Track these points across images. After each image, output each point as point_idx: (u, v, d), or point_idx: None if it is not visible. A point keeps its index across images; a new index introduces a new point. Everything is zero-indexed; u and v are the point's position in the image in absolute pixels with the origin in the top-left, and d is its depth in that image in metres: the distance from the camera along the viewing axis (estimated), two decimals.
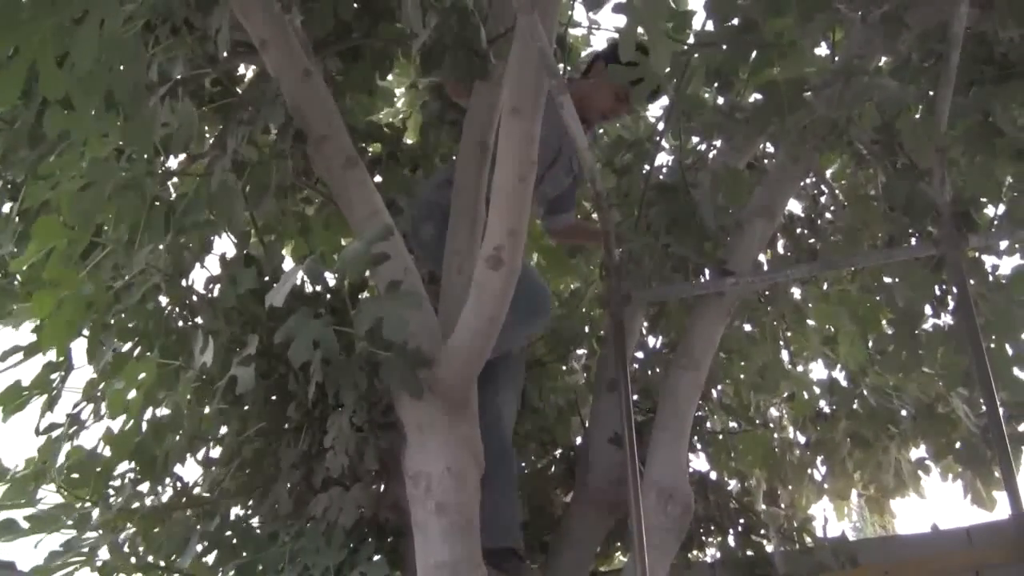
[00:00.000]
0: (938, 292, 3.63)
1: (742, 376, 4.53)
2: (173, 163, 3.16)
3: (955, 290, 3.08)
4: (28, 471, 3.22)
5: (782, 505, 4.57)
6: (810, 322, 4.54)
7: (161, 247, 2.94)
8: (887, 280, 3.89)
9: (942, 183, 2.86)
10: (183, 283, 3.12)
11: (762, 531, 4.01)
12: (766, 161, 4.33)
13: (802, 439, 4.87)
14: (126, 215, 2.79)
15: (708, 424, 4.58)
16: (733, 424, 4.69)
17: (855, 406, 4.62)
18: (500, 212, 2.69)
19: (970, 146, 3.18)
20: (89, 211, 2.70)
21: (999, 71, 3.14)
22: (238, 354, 2.76)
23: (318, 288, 3.05)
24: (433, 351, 2.84)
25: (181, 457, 3.37)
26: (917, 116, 3.09)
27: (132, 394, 3.03)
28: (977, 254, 3.54)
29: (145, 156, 2.76)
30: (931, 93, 2.93)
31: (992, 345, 3.44)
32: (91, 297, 2.94)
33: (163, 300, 3.17)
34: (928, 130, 2.84)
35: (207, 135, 3.53)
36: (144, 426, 3.25)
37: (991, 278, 3.56)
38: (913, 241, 3.43)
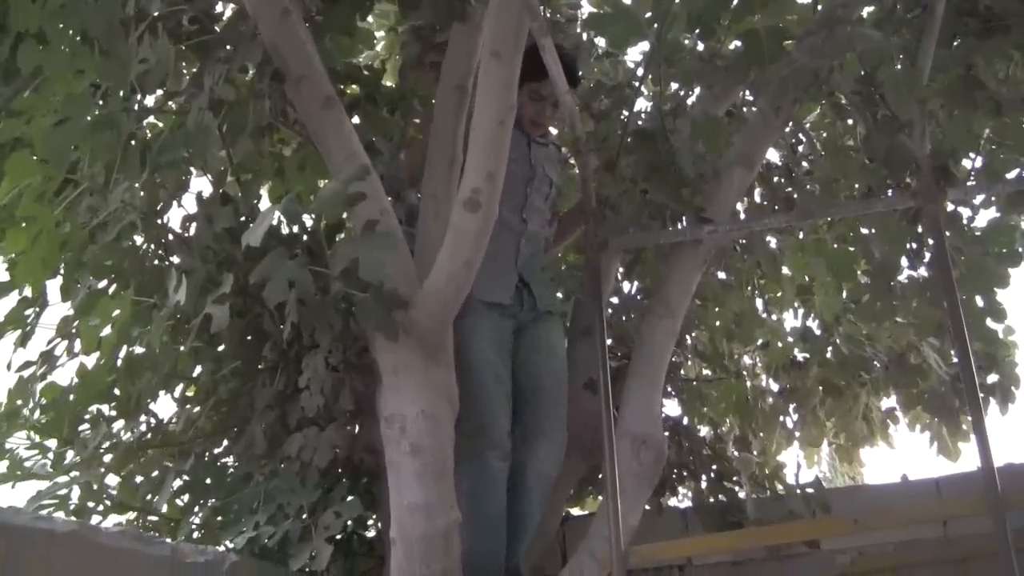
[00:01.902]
0: (914, 244, 3.65)
1: (717, 323, 4.55)
2: (149, 101, 3.12)
3: (931, 242, 3.09)
4: (1, 411, 3.21)
5: (754, 452, 4.61)
6: (786, 271, 4.55)
7: (137, 185, 2.91)
8: (864, 231, 3.89)
9: (922, 135, 2.85)
10: (159, 221, 3.10)
11: (735, 478, 4.05)
12: (745, 109, 4.32)
13: (775, 387, 4.90)
14: (101, 152, 2.76)
15: (682, 371, 4.61)
16: (707, 371, 4.72)
17: (828, 355, 4.65)
18: (478, 155, 2.68)
19: (951, 99, 3.18)
20: (63, 147, 2.67)
21: (983, 24, 3.13)
22: (213, 293, 2.75)
23: (294, 228, 3.04)
24: (409, 293, 2.83)
25: (155, 395, 3.36)
26: (898, 68, 3.08)
27: (107, 331, 3.02)
28: (954, 207, 3.56)
29: (121, 93, 2.72)
30: (914, 44, 2.92)
31: (964, 297, 3.47)
32: (66, 235, 2.92)
33: (139, 238, 3.14)
34: (910, 82, 2.83)
35: (184, 73, 3.48)
36: (118, 363, 3.24)
37: (966, 229, 3.58)
38: (890, 193, 3.44)
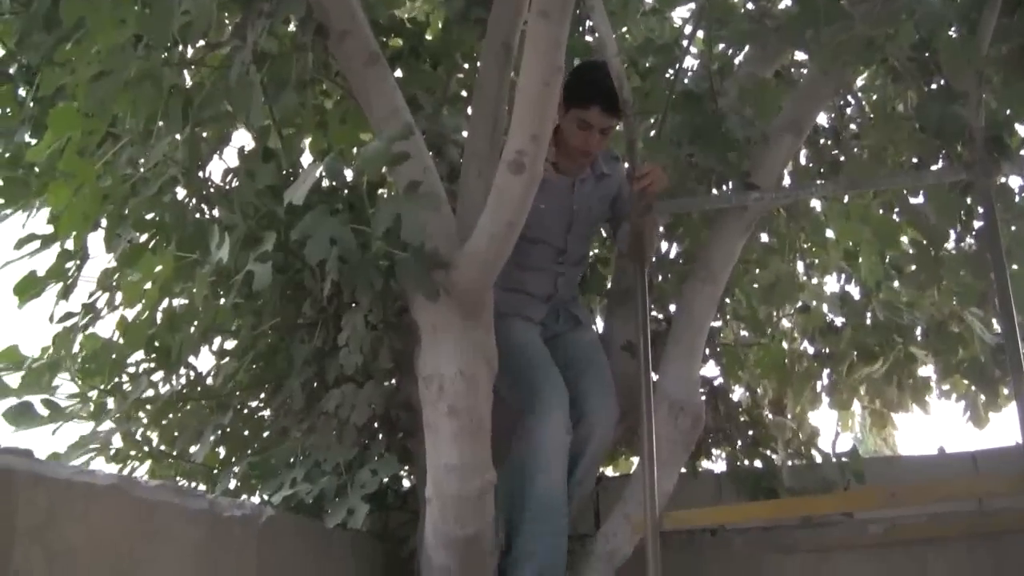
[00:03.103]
0: (962, 215, 3.58)
1: (755, 286, 4.51)
2: (191, 53, 3.10)
3: (981, 211, 3.03)
4: (44, 361, 3.23)
5: (788, 416, 4.58)
6: (829, 235, 4.50)
7: (178, 138, 2.90)
8: (912, 201, 3.83)
9: (977, 106, 2.79)
10: (200, 175, 3.08)
11: (771, 444, 4.03)
12: (793, 71, 4.24)
13: (811, 350, 4.87)
14: (143, 105, 2.74)
15: (721, 335, 4.57)
16: (744, 333, 4.69)
17: (867, 320, 4.60)
18: (524, 117, 2.64)
19: (1010, 70, 3.10)
20: (105, 100, 2.65)
21: None
22: (255, 249, 2.74)
23: (335, 183, 3.02)
24: (449, 253, 2.80)
25: (195, 348, 3.38)
26: (955, 35, 3.00)
27: (148, 286, 3.03)
28: (1005, 179, 3.49)
29: (163, 44, 2.70)
30: (974, 13, 2.84)
31: (1015, 267, 3.41)
32: (107, 188, 2.92)
33: (180, 192, 3.14)
34: (968, 51, 2.75)
35: (227, 24, 3.45)
36: (159, 316, 3.25)
37: (1016, 201, 3.52)
38: (941, 163, 3.38)
